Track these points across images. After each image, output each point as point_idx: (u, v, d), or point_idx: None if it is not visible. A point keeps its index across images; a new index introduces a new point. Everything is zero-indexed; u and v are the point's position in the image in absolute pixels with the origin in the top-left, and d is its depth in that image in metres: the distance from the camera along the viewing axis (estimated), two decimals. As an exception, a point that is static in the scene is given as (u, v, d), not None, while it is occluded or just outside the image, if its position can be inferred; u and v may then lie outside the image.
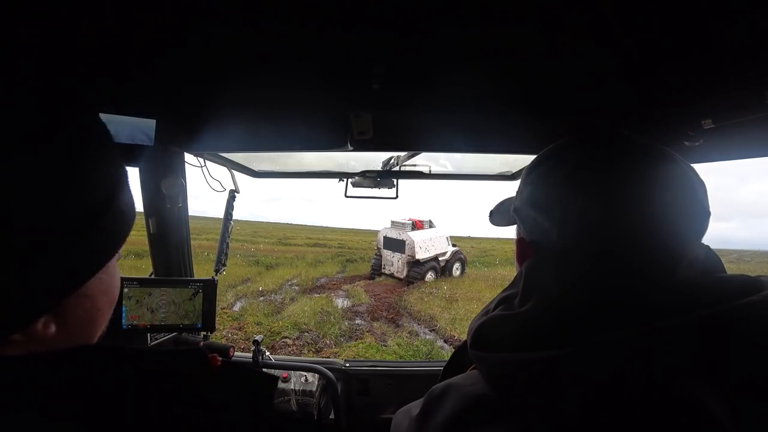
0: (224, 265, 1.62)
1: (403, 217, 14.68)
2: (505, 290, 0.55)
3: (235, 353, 1.52)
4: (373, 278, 14.41)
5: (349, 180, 1.51)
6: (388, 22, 0.63)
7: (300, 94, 0.96)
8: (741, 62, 0.73)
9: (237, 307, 10.59)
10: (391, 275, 14.21)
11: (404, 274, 13.47)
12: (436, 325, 8.62)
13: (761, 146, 0.95)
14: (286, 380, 1.54)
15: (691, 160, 1.04)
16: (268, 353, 1.56)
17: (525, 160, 1.44)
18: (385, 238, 14.20)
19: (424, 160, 1.47)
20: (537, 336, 0.44)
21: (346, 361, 1.69)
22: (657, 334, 0.39)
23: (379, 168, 1.51)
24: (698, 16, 0.60)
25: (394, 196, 1.52)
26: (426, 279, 13.37)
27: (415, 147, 1.29)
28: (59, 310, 0.35)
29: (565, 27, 0.64)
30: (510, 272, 16.70)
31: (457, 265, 14.91)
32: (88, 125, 0.36)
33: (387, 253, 14.33)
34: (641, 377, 0.38)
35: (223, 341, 5.97)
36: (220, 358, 0.43)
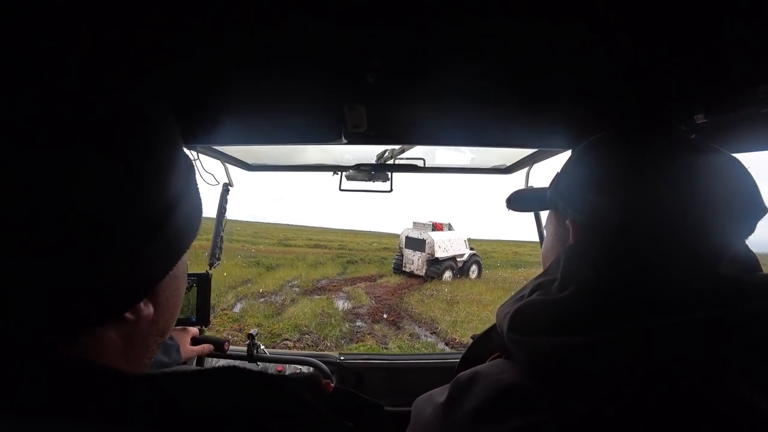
0: (218, 259, 1.63)
1: (424, 219, 15.61)
2: (539, 277, 0.56)
3: (230, 347, 1.54)
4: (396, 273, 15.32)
5: (344, 173, 1.52)
6: (383, 15, 0.64)
7: (294, 87, 0.96)
8: (734, 58, 0.75)
9: (237, 309, 10.66)
10: (411, 273, 15.04)
11: (423, 271, 14.21)
12: (438, 328, 8.64)
13: (754, 141, 0.96)
14: (281, 374, 1.57)
15: None
16: (263, 347, 1.57)
17: (520, 153, 1.46)
18: (407, 237, 15.08)
19: (419, 154, 1.48)
20: (578, 321, 0.45)
21: (340, 354, 1.71)
22: (708, 323, 0.39)
23: (373, 161, 1.51)
24: (693, 10, 0.61)
25: (389, 189, 1.52)
26: (444, 278, 14.07)
27: (409, 140, 1.29)
28: (155, 291, 0.39)
29: (561, 20, 0.65)
30: (511, 274, 16.81)
31: (473, 267, 15.72)
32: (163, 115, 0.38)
33: (408, 252, 15.15)
34: (692, 366, 0.39)
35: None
36: (332, 384, 0.44)
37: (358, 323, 9.28)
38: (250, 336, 1.55)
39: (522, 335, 0.48)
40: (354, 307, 10.99)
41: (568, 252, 0.52)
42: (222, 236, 1.66)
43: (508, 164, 1.59)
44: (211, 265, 1.57)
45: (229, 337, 1.46)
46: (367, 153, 1.52)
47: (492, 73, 0.86)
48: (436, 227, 15.23)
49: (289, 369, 1.59)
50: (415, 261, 14.93)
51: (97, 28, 0.68)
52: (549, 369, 0.45)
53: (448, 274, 14.67)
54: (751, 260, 0.49)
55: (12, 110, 0.27)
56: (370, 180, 1.52)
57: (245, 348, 1.54)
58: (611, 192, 0.52)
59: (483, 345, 0.69)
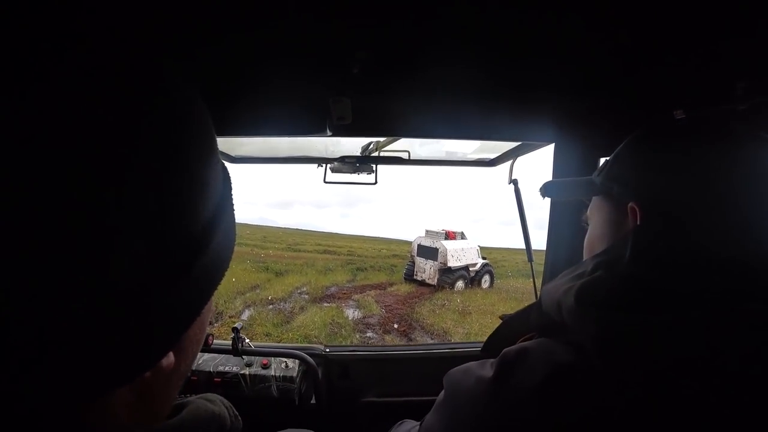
0: None
1: (437, 227, 15.58)
2: (596, 257, 0.57)
3: (215, 341, 1.55)
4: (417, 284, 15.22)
5: (328, 165, 1.54)
6: (367, 7, 0.66)
7: (279, 79, 0.98)
8: (713, 54, 0.77)
9: (245, 316, 10.54)
10: (423, 282, 15.03)
11: (435, 280, 14.23)
12: (450, 340, 8.54)
13: None
14: (266, 367, 1.57)
15: None
16: (247, 340, 1.58)
17: (504, 146, 1.48)
18: (419, 246, 15.10)
19: (404, 146, 1.50)
20: (657, 299, 0.45)
21: (326, 346, 1.72)
22: None
23: (358, 153, 1.54)
24: (671, 6, 0.63)
25: (374, 181, 1.54)
26: (456, 287, 14.10)
27: (395, 132, 1.31)
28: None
29: (547, 13, 0.67)
30: (523, 284, 16.67)
31: (486, 277, 15.72)
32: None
33: (420, 261, 15.16)
34: None
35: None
36: None
37: (369, 334, 9.25)
38: (235, 330, 1.56)
39: (593, 308, 0.48)
40: (364, 317, 10.87)
41: (639, 232, 0.52)
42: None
43: (492, 157, 1.61)
44: None
45: (212, 333, 1.47)
46: (352, 145, 1.54)
47: (477, 67, 0.88)
48: (449, 236, 15.18)
49: (275, 362, 1.60)
50: (427, 270, 14.89)
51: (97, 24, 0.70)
52: (620, 346, 0.45)
53: (460, 284, 14.60)
54: None
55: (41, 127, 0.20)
56: (354, 172, 1.54)
57: (230, 342, 1.55)
58: (681, 174, 0.53)
59: (515, 326, 0.70)
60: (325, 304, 12.37)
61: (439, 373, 0.63)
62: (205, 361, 1.58)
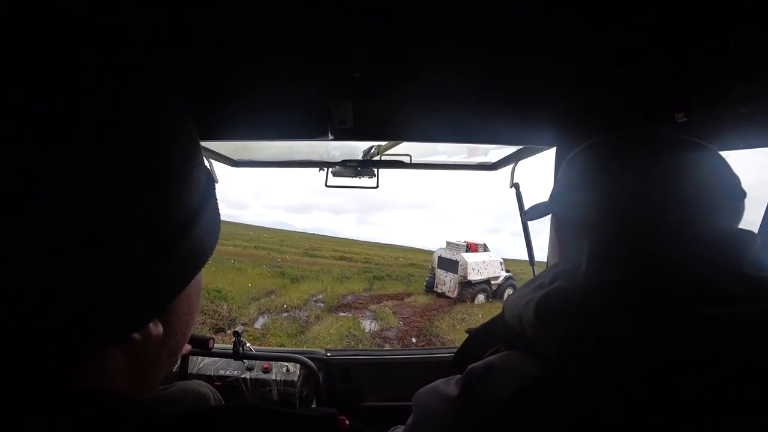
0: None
1: (459, 239, 15.48)
2: (556, 266, 0.57)
3: (215, 345, 1.62)
4: (436, 295, 15.09)
5: (330, 169, 1.58)
6: (368, 11, 0.67)
7: (280, 83, 1.00)
8: (714, 57, 0.78)
9: (259, 324, 10.55)
10: (443, 294, 14.82)
11: (455, 293, 14.12)
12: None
13: (731, 139, 0.98)
14: (267, 371, 1.60)
15: None
16: (248, 344, 1.60)
17: (506, 150, 1.49)
18: (440, 258, 15.02)
19: (405, 150, 1.51)
20: (613, 307, 0.45)
21: (327, 350, 1.75)
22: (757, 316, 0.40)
23: (359, 157, 1.57)
24: (672, 10, 0.64)
25: (375, 185, 1.57)
26: (476, 301, 14.00)
27: (396, 136, 1.33)
28: (167, 311, 0.37)
29: (545, 17, 0.68)
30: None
31: (509, 291, 15.30)
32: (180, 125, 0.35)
33: (440, 273, 15.02)
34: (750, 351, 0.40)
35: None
36: (348, 422, 0.46)
37: (387, 348, 9.15)
38: (236, 333, 1.58)
39: (552, 321, 0.48)
40: (381, 330, 10.76)
41: (593, 241, 0.53)
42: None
43: (494, 161, 1.62)
44: None
45: (213, 337, 1.48)
46: (354, 149, 1.56)
47: (478, 70, 0.90)
48: (470, 248, 14.95)
49: (276, 366, 1.62)
50: (447, 282, 14.75)
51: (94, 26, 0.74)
52: (583, 356, 0.45)
53: (481, 297, 14.40)
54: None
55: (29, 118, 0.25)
56: (356, 176, 1.57)
57: (231, 346, 1.57)
58: (596, 187, 0.58)
59: (481, 339, 0.71)
60: (341, 314, 12.35)
61: (440, 377, 0.65)
62: (206, 365, 1.62)
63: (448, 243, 15.36)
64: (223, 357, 1.60)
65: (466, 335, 0.82)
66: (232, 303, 11.73)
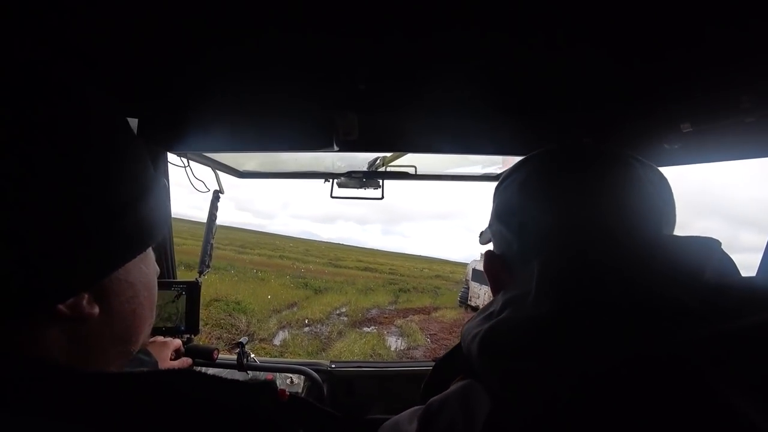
0: (208, 267, 1.72)
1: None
2: (508, 291, 0.53)
3: (219, 356, 1.65)
4: (464, 309, 14.95)
5: (335, 180, 1.61)
6: (372, 25, 0.69)
7: (286, 95, 1.03)
8: (719, 67, 0.79)
9: (278, 340, 10.33)
10: (477, 308, 13.91)
11: None
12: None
13: (736, 149, 0.98)
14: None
15: (669, 162, 1.10)
16: (252, 355, 1.64)
17: (511, 161, 1.47)
18: (474, 270, 14.85)
19: (410, 161, 1.54)
20: (560, 342, 0.43)
21: (332, 362, 1.77)
22: (723, 338, 0.38)
23: (364, 168, 1.60)
24: (678, 20, 0.65)
25: (380, 196, 1.60)
26: None
27: (401, 148, 1.37)
28: (101, 292, 0.40)
29: (549, 29, 0.69)
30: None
31: None
32: (116, 126, 0.42)
33: (474, 286, 14.80)
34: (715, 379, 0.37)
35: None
36: (288, 393, 0.50)
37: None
38: (240, 345, 1.61)
39: (494, 359, 0.46)
40: (408, 348, 10.44)
41: (544, 265, 0.49)
42: (212, 243, 1.75)
43: (499, 172, 1.63)
44: (200, 273, 1.67)
45: (217, 348, 1.52)
46: (359, 160, 1.60)
47: (483, 81, 0.91)
48: (506, 260, 14.65)
49: (280, 377, 1.65)
50: (481, 295, 14.35)
51: (85, 31, 0.75)
52: (526, 393, 0.43)
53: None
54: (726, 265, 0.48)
55: None
56: (361, 187, 1.60)
57: (235, 357, 1.61)
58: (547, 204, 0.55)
59: (447, 368, 0.69)
60: (366, 329, 12.17)
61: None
62: None
63: (482, 255, 14.95)
64: (228, 368, 1.63)
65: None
66: (251, 316, 11.64)
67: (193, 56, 0.83)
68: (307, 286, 18.62)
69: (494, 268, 0.63)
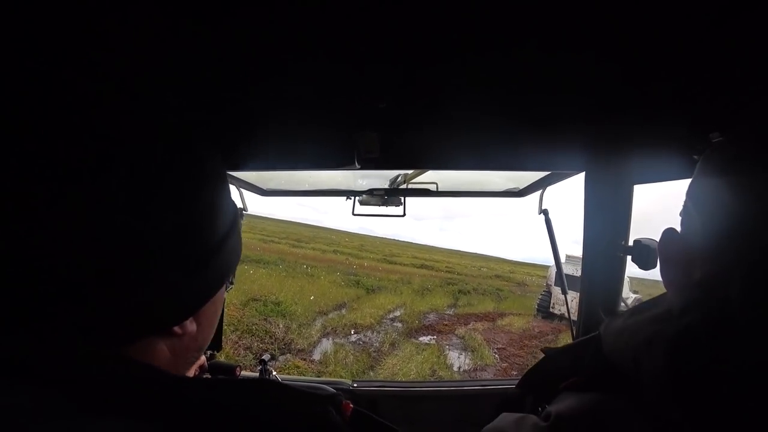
0: (232, 283, 1.73)
1: (578, 252, 14.35)
2: (690, 289, 0.47)
3: (242, 372, 1.66)
4: (542, 317, 14.51)
5: (357, 198, 1.71)
6: (392, 53, 0.76)
7: (309, 116, 1.10)
8: (748, 75, 0.79)
9: (318, 352, 9.61)
10: (562, 316, 13.63)
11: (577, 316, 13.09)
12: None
13: None
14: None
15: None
16: (275, 373, 1.74)
17: (532, 176, 1.55)
18: (559, 274, 14.07)
19: (432, 178, 1.62)
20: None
21: (354, 381, 1.83)
22: None
23: (386, 185, 1.69)
24: (706, 28, 0.66)
25: (402, 213, 1.69)
26: None
27: (422, 165, 1.44)
28: (199, 312, 0.50)
29: (568, 44, 0.72)
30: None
31: None
32: (222, 166, 0.52)
33: (557, 291, 14.32)
34: None
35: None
36: (351, 405, 0.53)
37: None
38: (262, 362, 1.71)
39: (697, 379, 0.39)
40: (475, 367, 9.59)
41: (753, 265, 0.41)
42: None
43: (521, 187, 1.70)
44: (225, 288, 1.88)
45: (240, 365, 1.59)
46: (380, 177, 1.68)
47: (503, 99, 0.96)
48: (595, 262, 13.74)
49: None
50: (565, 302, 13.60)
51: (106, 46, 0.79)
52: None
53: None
54: None
55: (82, 154, 0.38)
56: (383, 204, 1.70)
57: (257, 374, 1.72)
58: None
59: (560, 364, 0.65)
60: (423, 339, 11.46)
61: (473, 413, 0.69)
62: None
63: (567, 256, 14.36)
64: None
65: (542, 354, 0.74)
66: (291, 320, 11.14)
67: (219, 81, 0.91)
68: (358, 284, 18.50)
69: (671, 249, 0.54)
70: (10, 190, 0.36)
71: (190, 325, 0.49)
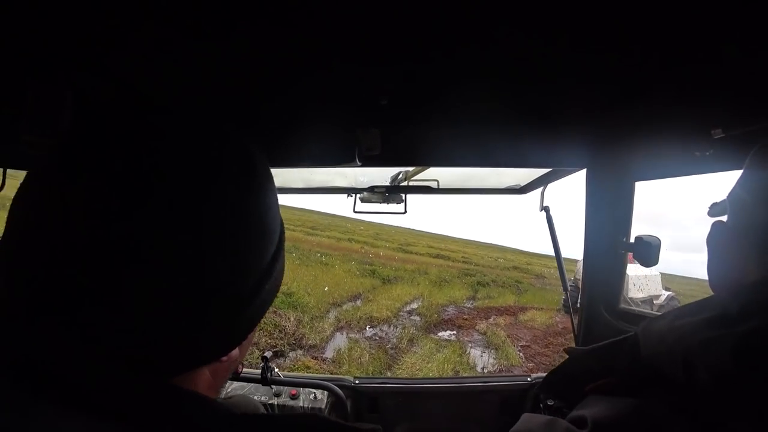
0: None
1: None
2: (748, 291, 0.47)
3: (244, 370, 1.75)
4: (564, 311, 13.52)
5: (358, 195, 1.74)
6: (394, 49, 0.77)
7: (311, 113, 1.13)
8: (749, 70, 0.80)
9: (331, 349, 9.23)
10: None
11: None
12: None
13: None
14: (295, 397, 1.75)
15: (701, 170, 1.14)
16: (276, 370, 1.77)
17: (534, 173, 1.58)
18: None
19: (433, 175, 1.64)
20: None
21: (355, 378, 1.86)
22: None
23: (387, 183, 1.71)
24: (706, 23, 0.67)
25: (403, 211, 1.71)
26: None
27: (423, 162, 1.46)
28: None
29: (572, 40, 0.74)
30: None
31: None
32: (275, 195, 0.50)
33: None
34: None
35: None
36: None
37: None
38: (264, 359, 1.74)
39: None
40: (499, 367, 9.26)
41: None
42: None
43: (523, 184, 1.72)
44: None
45: (241, 362, 1.70)
46: (381, 175, 1.70)
47: (505, 95, 0.98)
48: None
49: (303, 392, 1.78)
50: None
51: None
52: None
53: (640, 323, 12.67)
54: None
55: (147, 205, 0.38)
56: (384, 202, 1.73)
57: (259, 371, 1.75)
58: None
59: (588, 365, 0.65)
60: (442, 335, 11.09)
61: (475, 409, 0.72)
62: (233, 389, 1.79)
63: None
64: (251, 382, 1.78)
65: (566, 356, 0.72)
66: (304, 312, 10.74)
67: (219, 75, 0.94)
68: (374, 274, 18.11)
69: (722, 245, 0.54)
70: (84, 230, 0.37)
71: (235, 352, 0.51)
